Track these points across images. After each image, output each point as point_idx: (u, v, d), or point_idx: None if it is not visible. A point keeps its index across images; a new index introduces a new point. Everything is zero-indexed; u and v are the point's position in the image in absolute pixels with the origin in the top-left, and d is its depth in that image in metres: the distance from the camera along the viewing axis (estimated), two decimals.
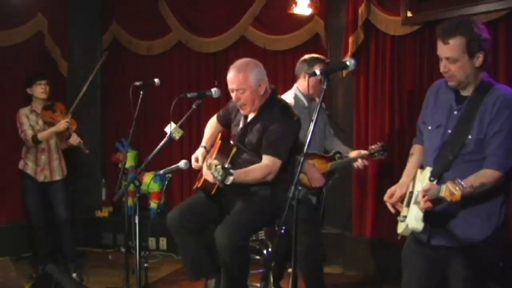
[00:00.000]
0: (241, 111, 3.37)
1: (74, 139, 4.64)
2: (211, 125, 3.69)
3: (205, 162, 3.19)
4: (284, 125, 3.24)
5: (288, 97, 3.82)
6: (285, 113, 3.28)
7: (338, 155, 3.90)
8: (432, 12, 4.08)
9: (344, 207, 4.94)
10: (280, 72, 5.41)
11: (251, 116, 3.36)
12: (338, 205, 4.97)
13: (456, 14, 3.88)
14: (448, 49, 2.37)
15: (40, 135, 4.64)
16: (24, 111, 4.72)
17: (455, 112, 2.46)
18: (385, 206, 4.62)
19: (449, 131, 2.46)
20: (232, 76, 3.26)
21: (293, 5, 4.79)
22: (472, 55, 2.37)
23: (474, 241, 2.39)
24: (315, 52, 5.20)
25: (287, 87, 5.34)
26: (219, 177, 2.93)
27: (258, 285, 3.76)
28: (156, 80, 3.92)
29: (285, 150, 3.24)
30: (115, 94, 5.77)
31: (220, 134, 3.61)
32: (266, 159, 3.23)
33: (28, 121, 4.69)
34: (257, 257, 3.83)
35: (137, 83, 3.83)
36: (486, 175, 2.33)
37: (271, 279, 3.73)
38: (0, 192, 5.45)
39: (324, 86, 2.39)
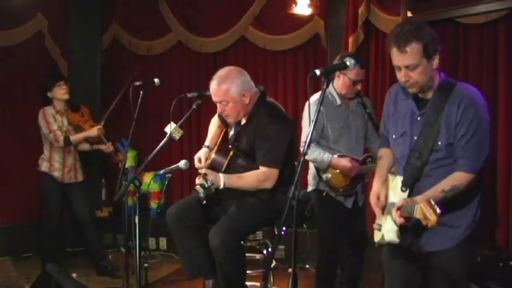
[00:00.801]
0: (227, 121, 3.36)
1: (108, 147, 4.71)
2: (214, 123, 3.69)
3: (197, 177, 3.22)
4: (273, 131, 3.20)
5: (319, 93, 3.81)
6: (272, 118, 3.24)
7: (370, 159, 3.73)
8: (432, 12, 4.08)
9: None
10: (280, 72, 5.42)
11: (242, 122, 3.34)
12: None
13: (456, 14, 3.89)
14: (407, 57, 2.31)
15: (73, 138, 4.64)
16: (50, 111, 4.69)
17: (418, 118, 2.43)
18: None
19: (415, 137, 2.42)
20: (214, 88, 3.22)
21: (293, 5, 4.79)
22: (430, 58, 2.33)
23: (453, 243, 2.39)
24: (315, 52, 5.24)
25: (287, 87, 5.38)
26: (201, 195, 3.12)
27: (258, 285, 3.75)
28: (156, 80, 3.92)
29: (279, 157, 3.21)
30: (115, 94, 5.77)
31: (223, 133, 3.61)
32: (262, 168, 3.22)
33: (55, 121, 4.67)
34: (257, 257, 3.83)
35: (137, 83, 3.83)
36: (457, 178, 2.32)
37: (271, 279, 3.73)
38: (0, 192, 5.45)
39: (324, 86, 2.38)
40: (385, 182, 2.54)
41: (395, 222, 2.34)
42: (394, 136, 2.54)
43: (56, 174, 4.71)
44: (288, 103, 5.23)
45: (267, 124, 3.21)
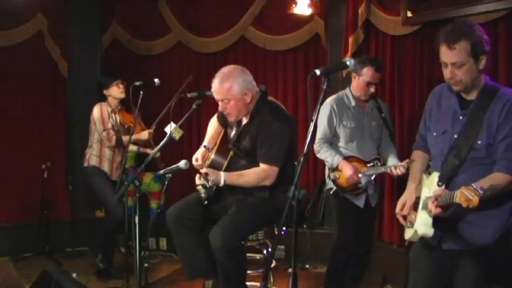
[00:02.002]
0: (228, 119, 3.36)
1: (156, 152, 4.64)
2: (212, 124, 3.69)
3: (197, 175, 3.22)
4: (275, 129, 3.21)
5: (338, 93, 3.90)
6: (275, 116, 3.26)
7: (378, 161, 3.82)
8: (432, 12, 4.07)
9: None
10: (280, 72, 5.42)
11: (244, 122, 3.35)
12: None
13: (456, 14, 3.88)
14: (455, 54, 2.36)
15: (124, 139, 4.61)
16: (106, 107, 4.66)
17: (461, 117, 2.47)
18: (384, 206, 4.63)
19: (455, 136, 2.46)
20: (216, 86, 3.23)
21: (293, 5, 4.79)
22: (477, 58, 2.37)
23: (484, 244, 2.40)
24: (315, 52, 5.24)
25: (287, 87, 5.39)
26: (203, 195, 3.12)
27: (258, 285, 3.75)
28: (156, 80, 3.93)
29: (280, 155, 3.23)
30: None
31: (222, 133, 3.61)
32: (262, 166, 3.23)
33: (110, 119, 4.66)
34: (257, 257, 3.83)
35: (137, 83, 3.83)
36: (496, 178, 2.34)
37: (271, 279, 3.73)
38: (0, 192, 5.45)
39: (324, 86, 2.39)
40: (418, 186, 2.57)
41: (430, 213, 2.36)
42: (435, 134, 2.58)
43: (106, 169, 4.69)
44: (288, 103, 5.23)
45: (269, 123, 3.22)
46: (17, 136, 5.52)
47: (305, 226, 4.98)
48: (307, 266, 4.87)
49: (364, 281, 4.16)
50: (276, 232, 3.49)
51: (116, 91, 4.67)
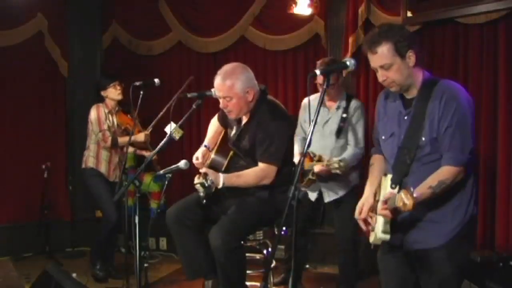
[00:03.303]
0: (228, 116, 3.36)
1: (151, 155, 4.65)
2: (213, 124, 3.69)
3: (196, 176, 3.21)
4: (273, 128, 3.21)
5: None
6: (273, 115, 3.25)
7: (316, 158, 3.91)
8: (432, 12, 4.08)
9: None
10: (280, 72, 5.41)
11: (244, 121, 3.35)
12: None
13: (456, 14, 3.89)
14: (379, 58, 2.38)
15: (120, 141, 4.62)
16: (103, 108, 4.65)
17: (405, 117, 2.47)
18: None
19: (402, 136, 2.46)
20: (218, 83, 3.21)
21: (293, 5, 4.79)
22: (403, 56, 2.38)
23: (445, 240, 2.39)
24: (315, 52, 5.24)
25: (287, 87, 5.38)
26: (201, 194, 3.10)
27: (258, 285, 3.76)
28: (156, 80, 3.92)
29: (279, 154, 3.22)
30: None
31: (222, 133, 3.62)
32: (261, 165, 3.23)
33: (106, 120, 4.65)
34: (257, 257, 3.83)
35: (137, 83, 3.83)
36: (443, 173, 2.33)
37: (271, 279, 3.73)
38: (0, 192, 5.45)
39: (324, 86, 2.39)
40: (378, 188, 2.56)
41: (381, 215, 2.36)
42: (383, 137, 2.58)
43: (103, 170, 4.68)
44: (288, 103, 5.23)
45: (268, 121, 3.21)
46: (17, 136, 5.52)
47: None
48: (307, 266, 4.87)
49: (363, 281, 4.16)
50: (276, 232, 3.49)
51: (113, 93, 4.65)
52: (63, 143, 5.81)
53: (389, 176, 2.47)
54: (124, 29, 5.91)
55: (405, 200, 2.13)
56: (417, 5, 4.18)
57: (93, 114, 4.62)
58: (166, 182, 3.51)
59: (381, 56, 2.37)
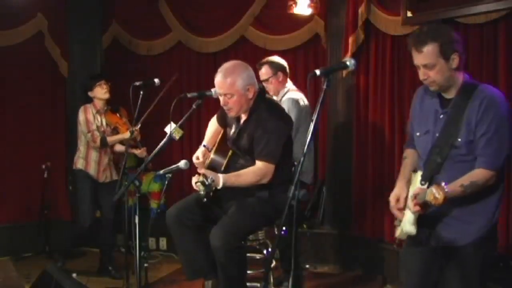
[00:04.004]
0: (228, 114, 3.36)
1: (142, 153, 4.66)
2: (212, 124, 3.69)
3: (195, 176, 3.21)
4: (271, 126, 3.21)
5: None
6: (271, 113, 3.26)
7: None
8: (432, 12, 4.07)
9: (344, 207, 4.94)
10: None
11: (243, 119, 3.35)
12: (338, 205, 4.97)
13: (456, 14, 3.88)
14: (424, 57, 2.44)
15: (109, 140, 4.64)
16: (91, 109, 4.68)
17: (441, 116, 2.52)
18: (384, 206, 4.63)
19: (437, 134, 2.51)
20: (219, 80, 3.21)
21: (293, 5, 4.78)
22: (447, 58, 2.43)
23: (470, 240, 2.44)
24: (315, 52, 5.24)
25: None
26: (202, 193, 3.05)
27: (258, 285, 3.76)
28: (156, 80, 3.92)
29: (276, 152, 3.21)
30: (115, 94, 5.78)
31: (221, 133, 3.62)
32: (258, 164, 3.22)
33: (95, 121, 4.67)
34: (257, 257, 3.83)
35: (137, 83, 3.83)
36: (477, 175, 2.39)
37: (271, 279, 3.74)
38: (0, 192, 5.45)
39: (324, 86, 2.39)
40: (408, 182, 2.60)
41: (412, 212, 2.41)
42: (418, 134, 2.63)
43: (92, 172, 4.70)
44: None
45: (266, 120, 3.22)
46: (17, 136, 5.52)
47: (305, 226, 4.98)
48: (307, 266, 4.87)
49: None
50: (276, 232, 3.49)
51: (99, 92, 4.67)
52: (63, 143, 5.81)
53: (419, 173, 2.52)
54: (124, 29, 5.91)
55: (436, 194, 2.18)
56: (417, 5, 4.17)
57: (81, 115, 4.65)
58: (166, 182, 3.51)
59: (426, 55, 2.43)
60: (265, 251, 3.70)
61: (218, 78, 3.21)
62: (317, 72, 2.38)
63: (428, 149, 2.54)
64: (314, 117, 2.36)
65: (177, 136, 3.33)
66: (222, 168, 3.39)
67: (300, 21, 5.08)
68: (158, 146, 3.26)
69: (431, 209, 2.38)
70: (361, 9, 4.55)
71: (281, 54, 5.33)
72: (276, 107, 3.36)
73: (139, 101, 3.78)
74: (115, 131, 4.70)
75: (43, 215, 5.34)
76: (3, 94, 5.46)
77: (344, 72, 4.68)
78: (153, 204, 5.55)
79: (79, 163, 4.71)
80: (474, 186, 2.36)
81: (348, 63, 2.45)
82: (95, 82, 4.67)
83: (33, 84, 5.62)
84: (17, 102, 5.54)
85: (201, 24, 5.66)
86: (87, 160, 4.70)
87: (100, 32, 5.90)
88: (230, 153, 3.40)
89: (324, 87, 2.38)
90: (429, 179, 2.46)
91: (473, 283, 2.47)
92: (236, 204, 3.30)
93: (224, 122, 3.57)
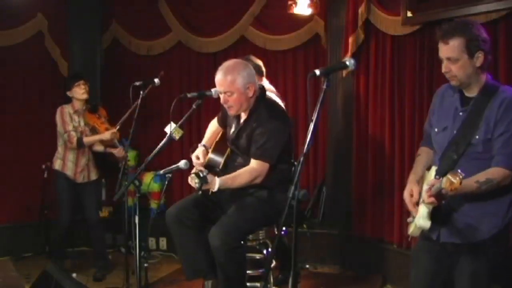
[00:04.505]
0: (228, 112, 3.36)
1: (120, 152, 4.68)
2: (213, 125, 3.70)
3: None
4: (270, 127, 3.21)
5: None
6: (271, 114, 3.26)
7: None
8: (432, 12, 4.07)
9: (344, 207, 4.94)
10: (280, 72, 5.41)
11: (242, 119, 3.35)
12: (338, 205, 4.97)
13: (456, 14, 3.88)
14: (448, 49, 2.44)
15: (86, 140, 4.66)
16: (68, 109, 4.70)
17: (460, 113, 2.53)
18: (384, 206, 4.64)
19: (455, 131, 2.52)
20: (220, 78, 3.22)
21: (293, 5, 4.78)
22: (471, 55, 2.43)
23: (481, 238, 2.45)
24: (315, 52, 5.24)
25: (287, 87, 5.38)
26: (197, 185, 3.04)
27: (258, 285, 3.76)
28: (156, 80, 3.92)
29: (273, 152, 3.22)
30: (115, 94, 5.78)
31: (220, 133, 3.62)
32: (253, 163, 3.22)
33: (72, 121, 4.68)
34: (257, 257, 3.83)
35: (137, 83, 3.83)
36: (493, 172, 2.39)
37: (271, 279, 3.73)
38: (0, 192, 5.45)
39: (324, 86, 2.38)
40: (421, 179, 2.61)
41: (426, 205, 2.40)
42: (436, 130, 2.64)
43: (69, 173, 4.72)
44: (288, 103, 5.22)
45: (265, 120, 3.22)
46: (17, 136, 5.52)
47: (305, 226, 4.98)
48: (307, 266, 4.87)
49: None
50: (276, 232, 3.49)
51: (78, 92, 4.68)
52: None
53: (434, 168, 2.53)
54: (124, 29, 5.91)
55: (452, 179, 2.17)
56: (417, 5, 4.17)
57: (57, 116, 4.68)
58: (166, 182, 3.51)
59: (451, 48, 2.43)
60: (265, 251, 3.70)
61: (219, 76, 3.22)
62: (317, 72, 2.37)
63: (444, 145, 2.54)
64: (314, 117, 2.36)
65: (177, 136, 3.33)
66: (220, 167, 3.40)
67: (300, 21, 5.08)
68: (158, 146, 3.26)
69: (445, 203, 2.39)
70: (361, 9, 4.54)
71: (281, 54, 5.36)
72: (276, 108, 3.36)
73: (139, 101, 3.77)
74: (94, 131, 4.72)
75: (43, 215, 5.34)
76: (3, 94, 5.46)
77: (344, 72, 4.68)
78: (153, 204, 5.55)
79: (57, 164, 4.75)
80: (489, 184, 2.35)
81: (348, 63, 2.45)
82: (74, 82, 4.69)
83: (33, 84, 5.61)
84: (17, 102, 5.54)
85: (201, 24, 5.66)
86: (64, 160, 4.73)
87: (100, 32, 5.90)
88: (228, 152, 3.41)
89: (324, 87, 2.37)
90: (444, 174, 2.43)
91: (482, 282, 2.48)
92: (235, 204, 3.30)
93: (224, 122, 3.58)
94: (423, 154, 2.74)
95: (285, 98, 5.31)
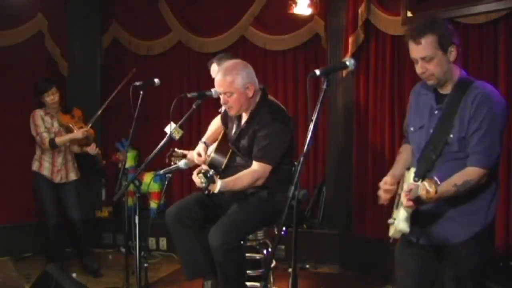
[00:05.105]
0: (229, 113, 3.36)
1: (92, 148, 4.70)
2: (215, 122, 3.70)
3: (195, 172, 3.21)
4: (273, 129, 3.21)
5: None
6: (274, 116, 3.25)
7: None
8: (432, 12, 4.07)
9: (344, 207, 4.94)
10: (280, 72, 5.42)
11: (244, 119, 3.35)
12: (338, 205, 4.97)
13: (456, 14, 3.89)
14: (422, 49, 2.40)
15: (58, 140, 4.68)
16: (39, 113, 4.75)
17: (436, 112, 2.49)
18: (384, 206, 4.64)
19: (431, 130, 2.48)
20: (219, 79, 3.22)
21: (293, 5, 4.79)
22: (445, 50, 2.41)
23: (462, 239, 2.41)
24: (315, 52, 5.24)
25: (287, 87, 5.38)
26: (203, 184, 3.02)
27: (258, 285, 3.76)
28: (156, 80, 3.92)
29: (275, 155, 3.22)
30: (115, 94, 5.79)
31: (222, 132, 3.62)
32: (255, 165, 3.22)
33: (44, 123, 4.71)
34: (257, 257, 3.83)
35: (137, 83, 3.83)
36: (468, 173, 2.36)
37: (271, 279, 3.73)
38: (0, 192, 5.44)
39: (324, 86, 2.38)
40: (401, 178, 2.59)
41: (405, 209, 2.38)
42: (412, 129, 2.61)
43: (45, 173, 4.76)
44: (288, 103, 5.23)
45: (268, 123, 3.22)
46: (17, 136, 5.51)
47: (305, 226, 4.99)
48: (307, 266, 4.87)
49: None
50: (276, 232, 3.49)
51: (49, 100, 4.72)
52: None
53: (413, 170, 2.50)
54: (124, 29, 5.91)
55: (428, 187, 2.15)
56: (417, 5, 4.17)
57: (30, 120, 4.74)
58: (166, 182, 3.51)
59: (425, 47, 2.39)
60: (265, 251, 3.70)
61: (218, 77, 3.22)
62: (317, 72, 2.37)
63: (422, 145, 2.51)
64: (314, 117, 2.35)
65: (177, 136, 3.34)
66: (223, 167, 3.40)
67: (300, 21, 5.08)
68: (158, 146, 3.26)
69: (425, 206, 2.35)
70: (361, 9, 4.55)
71: (281, 54, 5.36)
72: (278, 110, 3.36)
73: (139, 101, 3.78)
74: (69, 131, 4.73)
75: (43, 215, 5.33)
76: (3, 94, 5.45)
77: (344, 72, 4.68)
78: (153, 204, 5.55)
79: (34, 166, 4.79)
80: (467, 185, 2.32)
81: (348, 63, 2.44)
82: (44, 90, 4.71)
83: (33, 84, 5.60)
84: (17, 102, 5.54)
85: (201, 24, 5.66)
86: (41, 161, 4.77)
87: (100, 32, 5.91)
88: (230, 152, 3.41)
89: (324, 87, 2.37)
90: (423, 176, 2.44)
91: (467, 283, 2.44)
92: (235, 204, 3.30)
93: (226, 122, 3.58)
94: (404, 152, 2.71)
95: (285, 98, 5.33)
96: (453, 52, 2.42)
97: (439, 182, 2.16)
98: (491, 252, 2.57)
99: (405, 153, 2.71)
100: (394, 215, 2.52)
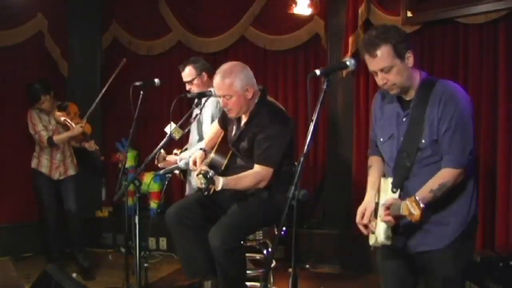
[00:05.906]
0: (228, 115, 3.36)
1: (91, 145, 4.74)
2: (214, 127, 3.70)
3: (200, 166, 3.20)
4: (273, 131, 3.21)
5: None
6: (274, 118, 3.25)
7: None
8: (432, 12, 4.08)
9: (344, 207, 4.94)
10: (280, 72, 5.41)
11: (243, 121, 3.35)
12: (338, 205, 4.97)
13: (456, 14, 3.89)
14: (379, 61, 2.37)
15: (56, 138, 4.74)
16: (35, 111, 4.79)
17: (404, 119, 2.46)
18: None
19: (402, 138, 2.44)
20: (218, 82, 3.23)
21: (293, 5, 4.79)
22: (402, 58, 2.37)
23: (448, 241, 2.39)
24: (315, 52, 5.24)
25: (287, 87, 5.38)
26: (203, 185, 3.02)
27: (258, 285, 3.76)
28: (156, 80, 3.92)
29: (276, 157, 3.22)
30: (115, 94, 5.79)
31: (222, 135, 3.62)
32: (257, 167, 3.22)
33: (41, 121, 4.76)
34: (257, 257, 3.83)
35: (137, 83, 3.83)
36: (444, 176, 2.33)
37: (271, 279, 3.73)
38: (0, 192, 5.44)
39: (324, 86, 2.38)
40: (376, 192, 2.54)
41: (382, 220, 2.35)
42: (382, 139, 2.56)
43: (44, 170, 4.80)
44: (288, 103, 5.23)
45: (267, 124, 3.21)
46: (17, 136, 5.51)
47: (305, 226, 4.98)
48: (307, 266, 4.87)
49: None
50: (276, 232, 3.49)
51: (44, 104, 4.77)
52: None
53: (390, 179, 2.46)
54: (124, 29, 5.91)
55: (411, 210, 2.12)
56: (417, 5, 4.18)
57: (27, 119, 4.80)
58: (166, 182, 3.51)
59: (381, 59, 2.36)
60: (265, 251, 3.70)
61: (217, 80, 3.22)
62: (317, 72, 2.37)
63: (393, 154, 2.47)
64: (314, 117, 2.35)
65: (177, 136, 3.34)
66: (222, 168, 3.39)
67: (300, 21, 5.08)
68: (158, 146, 3.26)
69: (405, 220, 2.31)
70: (361, 9, 4.55)
71: (281, 54, 5.36)
72: (277, 110, 3.36)
73: (139, 101, 3.77)
74: (66, 127, 4.77)
75: (43, 215, 5.34)
76: (3, 94, 5.45)
77: (344, 72, 4.68)
78: (153, 204, 5.55)
79: (33, 163, 4.85)
80: (443, 188, 2.30)
81: (348, 63, 2.44)
82: (37, 98, 4.74)
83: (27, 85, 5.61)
84: (17, 102, 5.54)
85: (201, 24, 5.66)
86: (39, 159, 4.84)
87: (100, 32, 5.91)
88: (230, 153, 3.41)
89: (324, 87, 2.37)
90: (400, 185, 2.40)
91: (455, 284, 2.43)
92: (235, 204, 3.31)
93: (225, 124, 3.57)
94: (374, 164, 2.65)
95: (285, 98, 5.33)
96: (410, 58, 2.38)
97: (422, 205, 2.13)
98: (474, 248, 2.56)
99: (375, 165, 2.64)
100: (374, 225, 2.47)
